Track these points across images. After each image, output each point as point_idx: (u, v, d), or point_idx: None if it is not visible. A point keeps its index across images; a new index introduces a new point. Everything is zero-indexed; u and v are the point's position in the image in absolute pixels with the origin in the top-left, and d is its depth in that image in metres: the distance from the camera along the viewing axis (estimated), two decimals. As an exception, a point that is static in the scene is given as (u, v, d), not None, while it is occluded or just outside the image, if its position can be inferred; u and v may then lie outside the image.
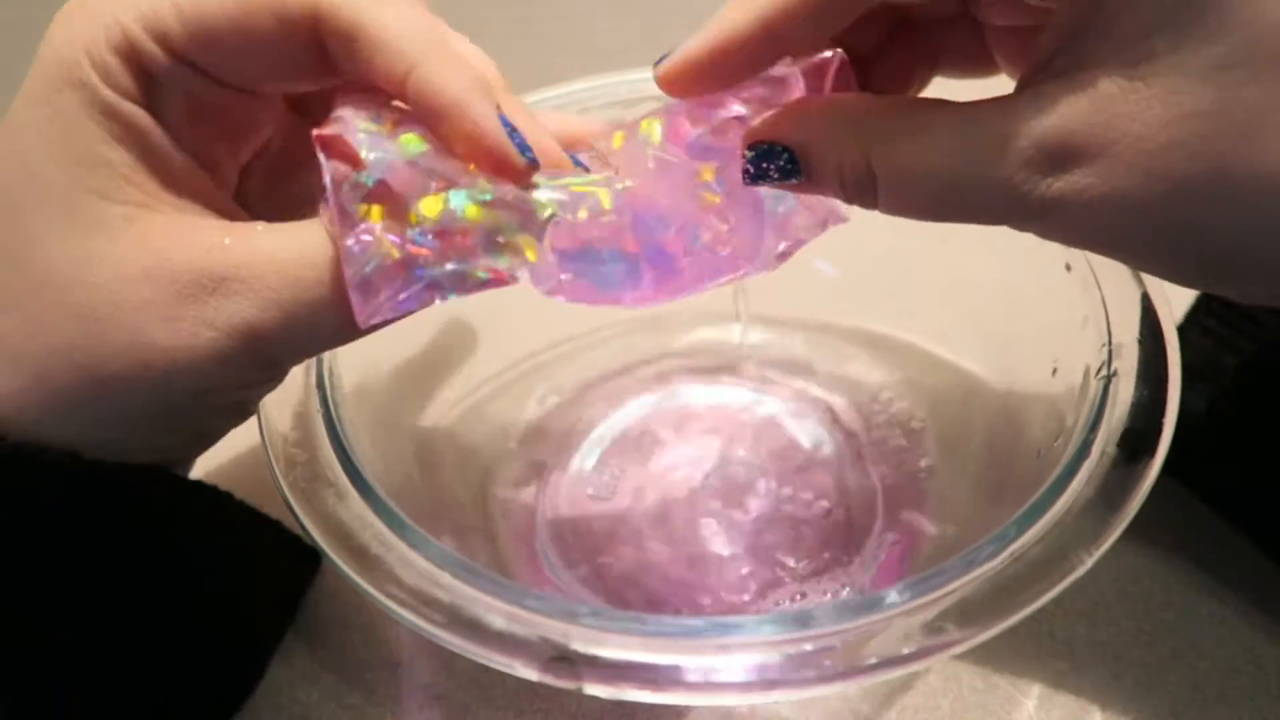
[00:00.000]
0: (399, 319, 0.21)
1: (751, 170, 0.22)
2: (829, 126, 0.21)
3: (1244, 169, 0.17)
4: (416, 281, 0.20)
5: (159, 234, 0.20)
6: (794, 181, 0.22)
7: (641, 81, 0.35)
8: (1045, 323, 0.32)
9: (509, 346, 0.38)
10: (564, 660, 0.20)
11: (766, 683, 0.21)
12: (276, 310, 0.20)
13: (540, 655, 0.21)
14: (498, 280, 0.21)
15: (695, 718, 0.28)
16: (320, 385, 0.26)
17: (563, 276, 0.21)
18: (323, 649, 0.30)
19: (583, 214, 0.21)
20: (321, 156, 0.20)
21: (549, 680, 0.20)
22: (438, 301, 0.21)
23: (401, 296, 0.20)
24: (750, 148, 0.22)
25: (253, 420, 0.26)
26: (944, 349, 0.37)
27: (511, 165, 0.20)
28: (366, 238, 0.20)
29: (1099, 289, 0.28)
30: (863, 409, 0.36)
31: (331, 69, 0.21)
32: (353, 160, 0.20)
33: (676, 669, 0.20)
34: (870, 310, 0.39)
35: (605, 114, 0.33)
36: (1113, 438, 0.24)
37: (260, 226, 0.21)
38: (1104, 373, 0.26)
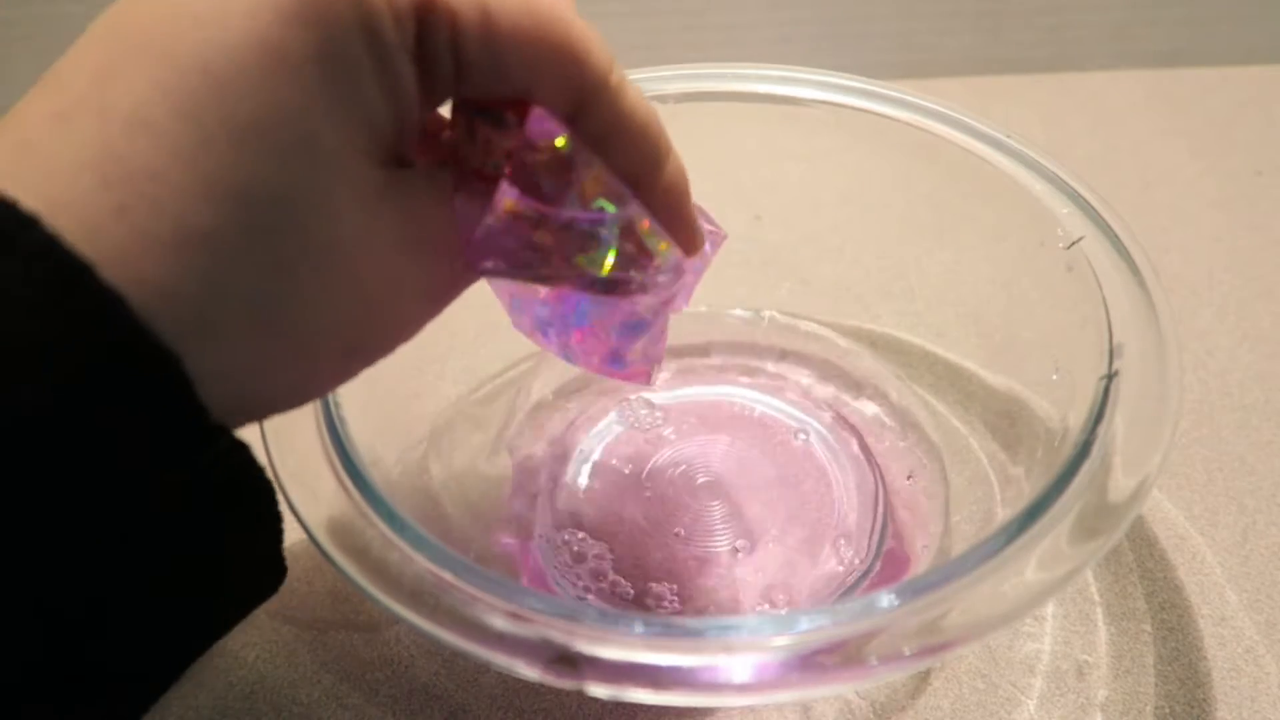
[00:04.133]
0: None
1: None
2: None
3: None
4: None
5: (419, 202, 0.20)
6: None
7: (641, 81, 0.35)
8: (1045, 323, 0.32)
9: (510, 345, 0.38)
10: (566, 661, 0.20)
11: (768, 683, 0.21)
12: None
13: (542, 656, 0.21)
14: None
15: (697, 718, 0.28)
16: (321, 385, 0.26)
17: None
18: (323, 649, 0.30)
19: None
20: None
21: (551, 681, 0.20)
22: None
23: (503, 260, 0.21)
24: None
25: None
26: (944, 349, 0.38)
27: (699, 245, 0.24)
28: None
29: (1100, 289, 0.28)
30: (863, 408, 0.36)
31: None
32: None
33: (678, 669, 0.20)
34: (870, 310, 0.39)
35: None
36: (1113, 438, 0.24)
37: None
38: (1104, 373, 0.26)
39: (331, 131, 0.18)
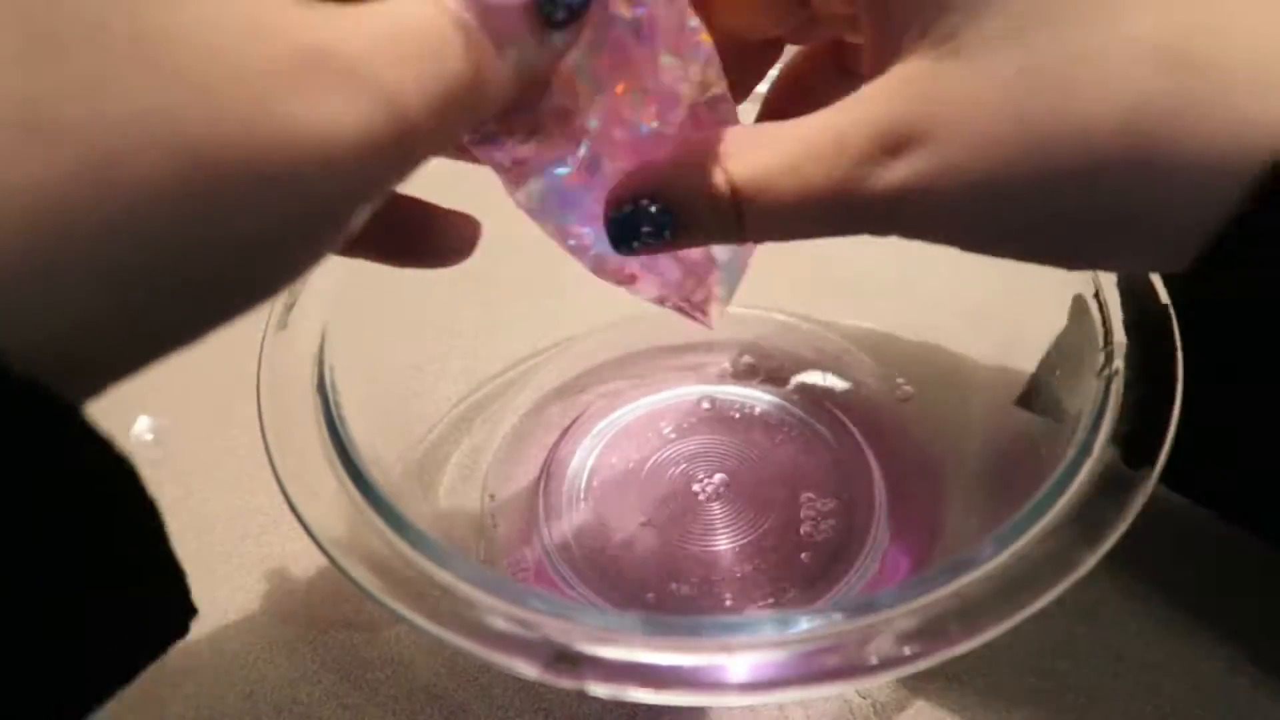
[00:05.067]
0: None
1: (619, 235, 0.21)
2: (696, 167, 0.20)
3: (1051, 126, 0.17)
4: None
5: None
6: (665, 238, 0.20)
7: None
8: (1046, 322, 0.32)
9: (510, 345, 0.38)
10: (566, 660, 0.20)
11: (768, 683, 0.21)
12: (421, 83, 0.16)
13: (542, 655, 0.21)
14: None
15: (696, 718, 0.28)
16: (321, 386, 0.26)
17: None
18: (323, 649, 0.30)
19: None
20: None
21: (551, 680, 0.20)
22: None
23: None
24: (615, 209, 0.21)
25: (253, 420, 0.26)
26: (944, 348, 0.38)
27: None
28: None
29: (1100, 289, 0.28)
30: (863, 408, 0.36)
31: None
32: None
33: (678, 669, 0.20)
34: (870, 310, 0.39)
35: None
36: (1114, 437, 0.24)
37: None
38: (1105, 371, 0.26)
39: None
